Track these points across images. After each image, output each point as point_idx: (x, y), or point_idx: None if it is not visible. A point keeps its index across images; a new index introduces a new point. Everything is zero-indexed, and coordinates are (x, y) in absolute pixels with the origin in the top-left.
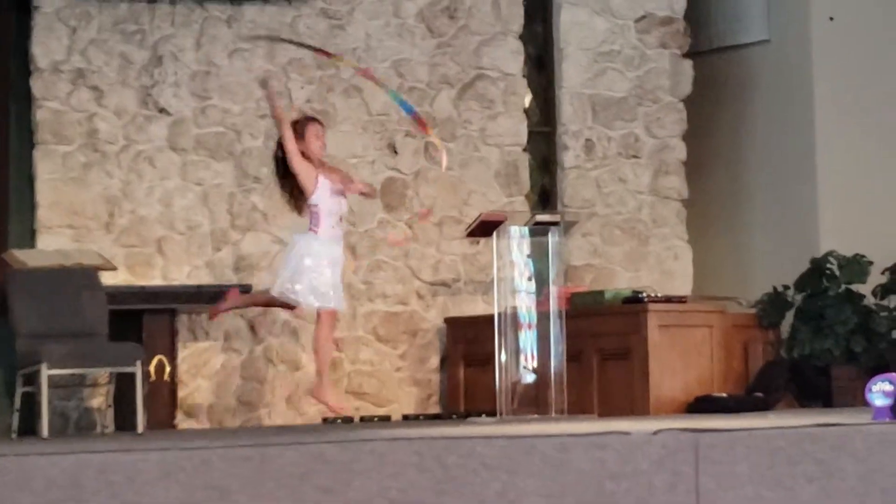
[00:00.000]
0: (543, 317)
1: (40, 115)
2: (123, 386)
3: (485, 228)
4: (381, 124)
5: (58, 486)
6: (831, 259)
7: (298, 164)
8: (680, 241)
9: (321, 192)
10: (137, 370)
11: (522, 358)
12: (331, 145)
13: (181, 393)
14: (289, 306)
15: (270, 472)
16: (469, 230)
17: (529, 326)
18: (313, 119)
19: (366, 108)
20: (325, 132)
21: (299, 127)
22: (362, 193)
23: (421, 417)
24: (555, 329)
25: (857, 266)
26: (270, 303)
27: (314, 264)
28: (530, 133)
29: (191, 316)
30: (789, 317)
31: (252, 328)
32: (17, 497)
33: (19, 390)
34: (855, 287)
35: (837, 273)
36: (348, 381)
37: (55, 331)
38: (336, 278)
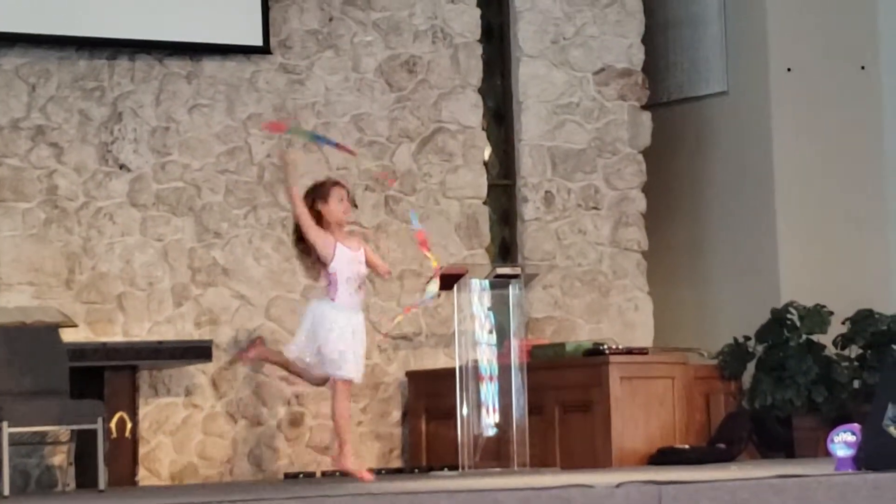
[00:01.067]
0: (505, 369)
1: (0, 172)
2: (85, 443)
3: (446, 281)
4: (341, 178)
5: None
6: (792, 309)
7: (315, 236)
8: (640, 293)
9: (339, 259)
10: (99, 427)
11: (484, 411)
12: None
13: (143, 450)
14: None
15: None
16: (427, 283)
17: (491, 379)
18: (337, 183)
19: (326, 164)
20: (349, 195)
21: (323, 190)
22: (376, 272)
23: (383, 472)
24: (516, 382)
25: (817, 316)
26: (287, 366)
27: (329, 333)
28: (490, 186)
29: (152, 372)
30: (751, 367)
31: (214, 383)
32: None
33: None
34: (816, 337)
35: (798, 323)
36: (310, 435)
37: (16, 389)
38: (355, 346)
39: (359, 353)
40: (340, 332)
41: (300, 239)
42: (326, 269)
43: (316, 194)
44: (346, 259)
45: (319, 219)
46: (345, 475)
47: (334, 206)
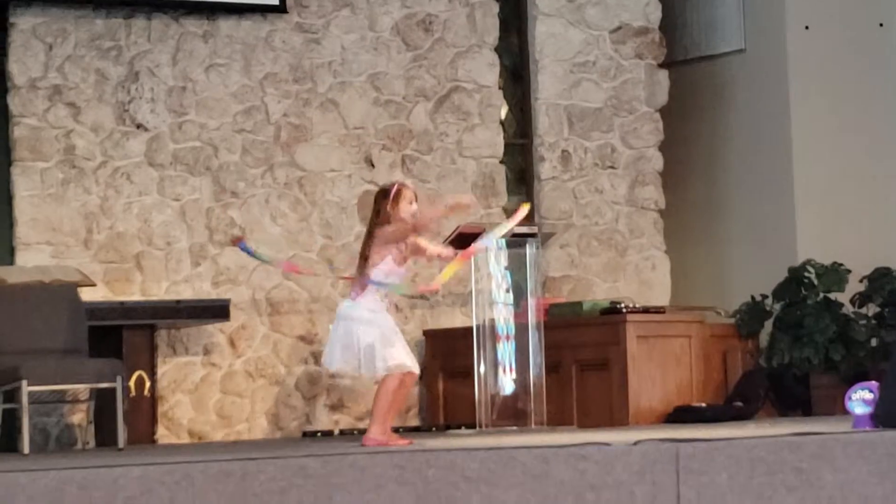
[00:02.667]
0: (522, 328)
1: (17, 131)
2: (104, 402)
3: (463, 240)
4: (357, 138)
5: (39, 502)
6: (809, 268)
7: (384, 246)
8: (657, 252)
9: (380, 269)
10: (118, 386)
11: (501, 370)
12: (307, 159)
13: (161, 408)
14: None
15: (252, 487)
16: (447, 242)
17: (508, 338)
18: (404, 185)
19: (343, 123)
20: (417, 196)
21: (391, 193)
22: (440, 256)
23: (401, 430)
24: (533, 341)
25: (835, 274)
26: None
27: (360, 328)
28: (507, 145)
29: (170, 331)
30: (768, 326)
31: (232, 342)
32: None
33: (0, 407)
34: (833, 295)
35: (816, 282)
36: (327, 395)
37: (36, 347)
38: (395, 339)
39: (400, 345)
40: (379, 324)
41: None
42: (367, 262)
43: (384, 197)
44: (385, 271)
45: (387, 220)
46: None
47: (404, 208)
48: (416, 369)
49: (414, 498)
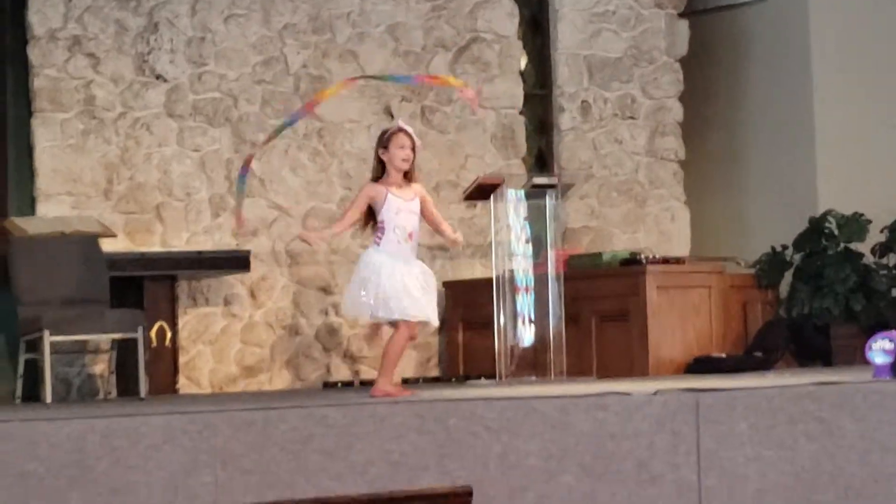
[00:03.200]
0: (541, 280)
1: (38, 82)
2: (125, 352)
3: (482, 192)
4: (377, 89)
5: (62, 450)
6: (830, 218)
7: (357, 204)
8: (677, 202)
9: (388, 208)
10: (139, 336)
11: (520, 321)
12: (326, 110)
13: (182, 359)
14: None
15: (273, 436)
16: (466, 194)
17: (527, 289)
18: (400, 129)
19: (362, 73)
20: (413, 143)
21: (385, 137)
22: (440, 234)
23: (421, 381)
24: (553, 292)
25: (855, 225)
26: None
27: (378, 276)
28: (526, 96)
29: (191, 282)
30: (788, 276)
31: (252, 294)
32: (22, 462)
33: (22, 357)
34: (854, 246)
35: (836, 232)
36: (347, 345)
37: (57, 298)
38: (413, 289)
39: (422, 297)
40: (390, 275)
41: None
42: (377, 218)
43: (379, 143)
44: (394, 208)
45: (382, 168)
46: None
47: (394, 152)
48: (434, 321)
49: (434, 447)
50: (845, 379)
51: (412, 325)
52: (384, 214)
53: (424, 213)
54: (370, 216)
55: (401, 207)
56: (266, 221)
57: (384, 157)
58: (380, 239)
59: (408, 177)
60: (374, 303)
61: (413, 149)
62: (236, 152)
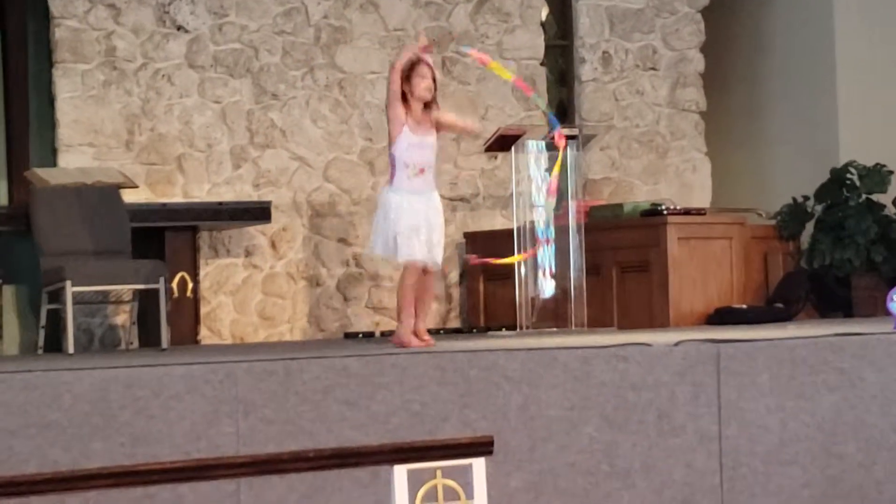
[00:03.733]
0: (562, 231)
1: (59, 33)
2: (147, 303)
3: (503, 143)
4: (397, 40)
5: (85, 400)
6: (851, 169)
7: (390, 112)
8: (698, 154)
9: (399, 143)
10: (161, 287)
11: (541, 273)
12: (347, 61)
13: (204, 309)
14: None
15: (294, 386)
16: (487, 145)
17: (548, 241)
18: (420, 60)
19: (383, 24)
20: (432, 72)
21: (407, 66)
22: (465, 131)
23: (442, 332)
24: (574, 243)
25: (877, 176)
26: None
27: (390, 216)
28: (547, 47)
29: (212, 233)
30: (809, 228)
31: (273, 244)
32: (45, 412)
33: (44, 307)
34: (875, 197)
35: (857, 183)
36: (368, 296)
37: (79, 249)
38: (422, 227)
39: (431, 237)
40: (401, 214)
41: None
42: (389, 150)
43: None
44: (405, 144)
45: (405, 96)
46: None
47: (415, 83)
48: (433, 264)
49: (456, 397)
50: (866, 330)
51: (411, 269)
52: (395, 149)
53: (441, 129)
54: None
55: (412, 143)
56: (287, 172)
57: (405, 89)
58: (392, 177)
59: (428, 107)
60: (387, 244)
61: (434, 78)
62: (257, 103)
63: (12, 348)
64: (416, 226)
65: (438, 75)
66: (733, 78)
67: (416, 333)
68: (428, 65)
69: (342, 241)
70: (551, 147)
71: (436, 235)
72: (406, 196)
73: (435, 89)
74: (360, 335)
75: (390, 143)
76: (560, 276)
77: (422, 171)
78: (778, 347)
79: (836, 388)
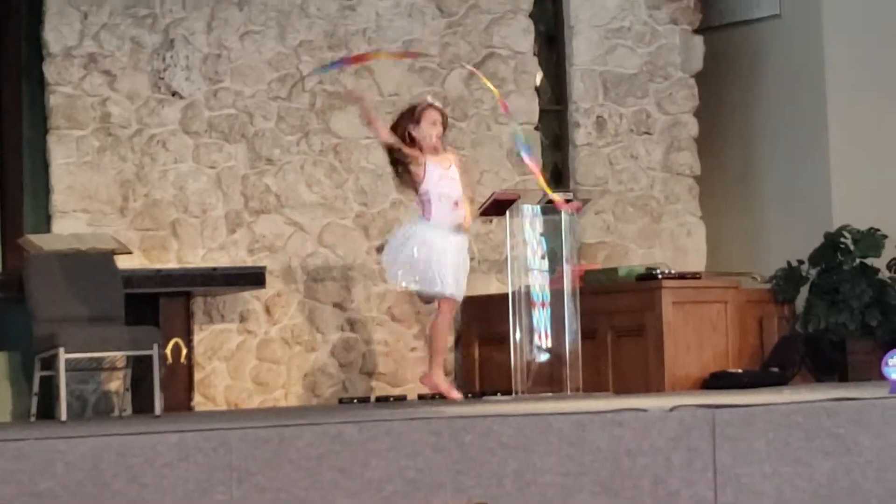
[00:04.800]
0: (557, 295)
1: (53, 100)
2: (141, 369)
3: (498, 207)
4: (392, 105)
5: (78, 469)
6: (845, 233)
7: (407, 152)
8: (693, 217)
9: (429, 178)
10: (155, 353)
11: (536, 336)
12: (342, 126)
13: (198, 375)
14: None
15: (288, 453)
16: (482, 209)
17: (543, 305)
18: (431, 105)
19: (378, 89)
20: (444, 121)
21: (416, 112)
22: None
23: (437, 397)
24: (569, 307)
25: (871, 240)
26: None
27: (422, 251)
28: (542, 111)
29: (206, 298)
30: (804, 291)
31: (267, 310)
32: (37, 480)
33: (37, 374)
34: (869, 261)
35: (852, 247)
36: (363, 361)
37: (72, 315)
38: (455, 264)
39: (460, 272)
40: (435, 250)
41: (394, 161)
42: (419, 191)
43: (407, 119)
44: (436, 177)
45: (413, 143)
46: (435, 395)
47: (426, 129)
48: (456, 295)
49: (450, 464)
50: (862, 395)
51: (452, 302)
52: (427, 184)
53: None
54: (398, 162)
55: (442, 174)
56: (282, 237)
57: (415, 133)
58: (429, 213)
59: (437, 150)
60: (419, 277)
61: (444, 123)
62: (252, 168)
63: (5, 415)
64: (456, 265)
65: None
66: (727, 142)
67: (438, 380)
68: (439, 109)
69: (337, 306)
70: (547, 211)
71: (464, 271)
72: (440, 232)
73: (444, 132)
74: (355, 401)
75: (417, 185)
76: (555, 340)
77: (456, 203)
78: (773, 412)
79: (831, 454)
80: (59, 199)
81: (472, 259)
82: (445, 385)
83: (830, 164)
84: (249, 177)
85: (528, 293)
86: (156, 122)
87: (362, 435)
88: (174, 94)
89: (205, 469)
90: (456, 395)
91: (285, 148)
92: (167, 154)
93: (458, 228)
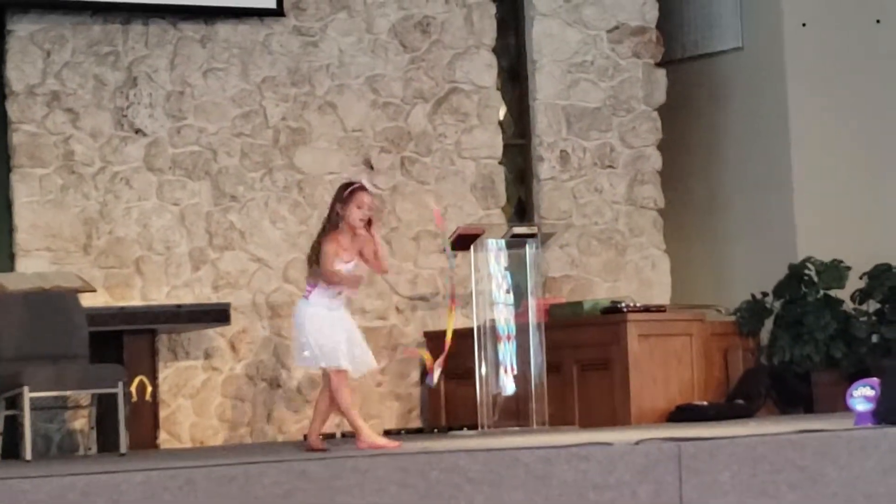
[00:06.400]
0: (522, 329)
1: (16, 138)
2: (105, 407)
3: (462, 242)
4: (356, 140)
5: None
6: (809, 265)
7: (328, 270)
8: (657, 251)
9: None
10: (119, 391)
11: (502, 370)
12: (306, 162)
13: (163, 413)
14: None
15: (254, 491)
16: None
17: (508, 338)
18: (362, 188)
19: (341, 125)
20: (372, 203)
21: (345, 193)
22: (376, 268)
23: (403, 432)
24: (534, 341)
25: (835, 271)
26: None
27: (314, 326)
28: (505, 145)
29: (171, 335)
30: (769, 324)
31: (232, 346)
32: None
33: (1, 414)
34: (833, 292)
35: (816, 279)
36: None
37: (36, 354)
38: (350, 338)
39: (356, 343)
40: (325, 324)
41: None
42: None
43: (338, 196)
44: (349, 266)
45: (335, 220)
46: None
47: (351, 211)
48: (352, 368)
49: (416, 500)
50: (827, 426)
51: (344, 374)
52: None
53: (365, 258)
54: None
55: (349, 266)
56: (247, 274)
57: (340, 211)
58: (309, 292)
59: (369, 226)
60: (318, 353)
61: (371, 207)
62: (216, 205)
63: None
64: (350, 339)
65: (397, 175)
66: (691, 175)
67: (315, 438)
68: (369, 193)
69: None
70: (512, 245)
71: (359, 344)
72: (325, 309)
73: (370, 220)
74: (321, 437)
75: (318, 269)
76: (521, 374)
77: (340, 291)
78: (739, 445)
79: (797, 486)
80: (22, 237)
81: (436, 294)
82: (380, 439)
83: (794, 196)
84: (213, 213)
85: (493, 327)
86: (119, 159)
87: (328, 471)
88: (137, 131)
89: None
90: (394, 445)
91: (249, 184)
92: (131, 191)
93: (339, 303)
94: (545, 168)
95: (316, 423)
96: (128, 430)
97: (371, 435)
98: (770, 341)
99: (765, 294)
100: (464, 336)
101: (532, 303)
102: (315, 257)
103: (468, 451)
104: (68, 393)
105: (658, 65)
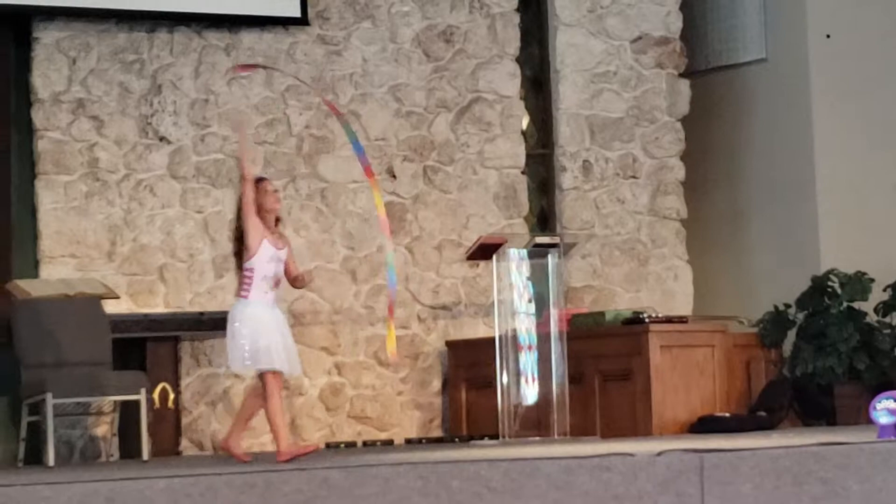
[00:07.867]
0: (544, 339)
1: (41, 145)
2: (128, 414)
3: (484, 251)
4: (379, 149)
5: None
6: (832, 277)
7: (248, 219)
8: (680, 261)
9: (260, 256)
10: (142, 398)
11: (524, 380)
12: (329, 170)
13: (185, 420)
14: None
15: (275, 498)
16: (469, 253)
17: (530, 348)
18: (264, 178)
19: (364, 134)
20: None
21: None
22: (294, 281)
23: (424, 441)
24: (556, 351)
25: (858, 284)
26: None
27: (251, 327)
28: (528, 155)
29: (194, 343)
30: (791, 335)
31: None
32: None
33: (25, 420)
34: (857, 305)
35: (839, 291)
36: (350, 405)
37: (60, 360)
38: (284, 339)
39: (289, 345)
40: (263, 326)
41: (239, 238)
42: (244, 263)
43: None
44: (266, 257)
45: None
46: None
47: (266, 197)
48: (286, 370)
49: None
50: (849, 439)
51: (279, 376)
52: (255, 262)
53: (287, 264)
54: (240, 244)
55: (272, 256)
56: None
57: (262, 200)
58: (247, 291)
59: (277, 223)
60: (249, 356)
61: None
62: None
63: None
64: (284, 340)
65: (420, 184)
66: (714, 185)
67: (234, 444)
68: (270, 182)
69: (324, 349)
70: (534, 255)
71: (291, 346)
72: (262, 308)
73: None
74: (342, 445)
75: (248, 256)
76: (542, 384)
77: (277, 283)
78: (761, 457)
79: (819, 499)
80: (46, 244)
81: (458, 303)
82: (296, 447)
83: (818, 208)
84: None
85: (514, 337)
86: (143, 167)
87: (349, 480)
88: (162, 139)
89: None
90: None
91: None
92: (155, 199)
93: (274, 306)
94: (568, 178)
95: (238, 427)
96: (150, 436)
97: (291, 445)
98: (793, 353)
99: (787, 305)
100: (486, 345)
101: (554, 313)
102: (238, 237)
103: (489, 461)
104: (91, 399)
105: (682, 75)
